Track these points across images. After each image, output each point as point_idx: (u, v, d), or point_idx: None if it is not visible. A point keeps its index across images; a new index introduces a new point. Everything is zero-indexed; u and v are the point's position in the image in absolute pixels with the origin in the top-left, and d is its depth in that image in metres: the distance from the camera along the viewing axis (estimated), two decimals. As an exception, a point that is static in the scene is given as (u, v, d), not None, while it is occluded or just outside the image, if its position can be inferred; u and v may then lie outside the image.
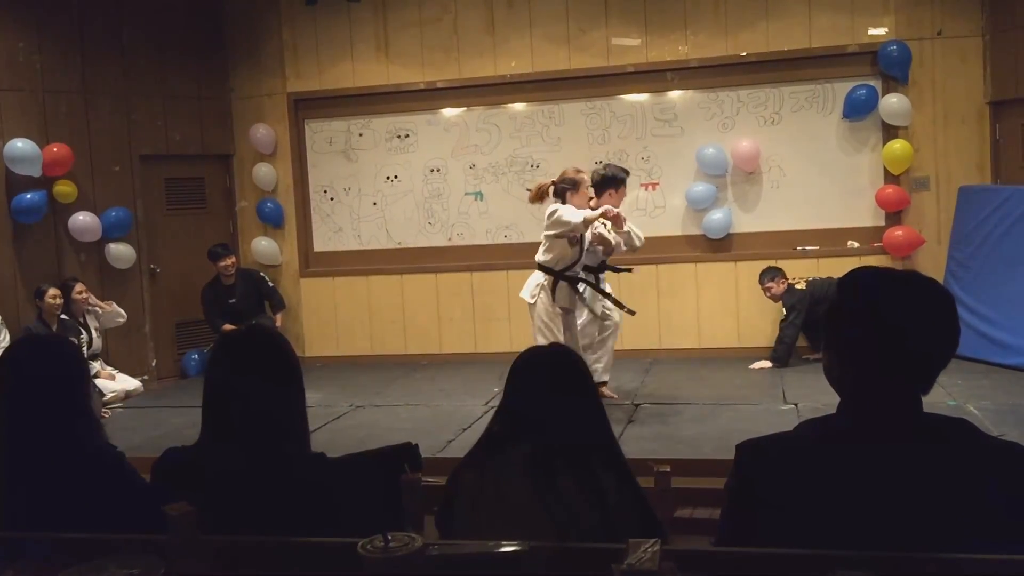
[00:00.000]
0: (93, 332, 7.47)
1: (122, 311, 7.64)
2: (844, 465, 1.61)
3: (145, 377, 8.01)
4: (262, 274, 8.50)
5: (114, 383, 7.46)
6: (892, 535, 1.56)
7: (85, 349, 7.29)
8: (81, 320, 7.41)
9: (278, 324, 8.22)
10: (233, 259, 8.21)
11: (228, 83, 8.89)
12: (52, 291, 7.18)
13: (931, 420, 1.63)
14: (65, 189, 7.62)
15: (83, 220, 7.69)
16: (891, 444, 1.60)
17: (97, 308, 7.48)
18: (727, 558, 1.65)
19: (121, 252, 7.95)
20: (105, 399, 7.24)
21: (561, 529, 2.02)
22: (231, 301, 8.09)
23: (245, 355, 2.11)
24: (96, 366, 7.49)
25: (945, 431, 1.62)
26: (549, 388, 2.21)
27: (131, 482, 2.19)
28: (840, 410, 1.68)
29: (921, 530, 1.56)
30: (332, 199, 8.91)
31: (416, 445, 2.56)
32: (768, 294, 7.43)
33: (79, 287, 7.38)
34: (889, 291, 1.64)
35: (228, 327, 7.79)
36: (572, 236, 5.82)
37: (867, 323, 1.62)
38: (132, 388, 7.61)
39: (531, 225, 8.46)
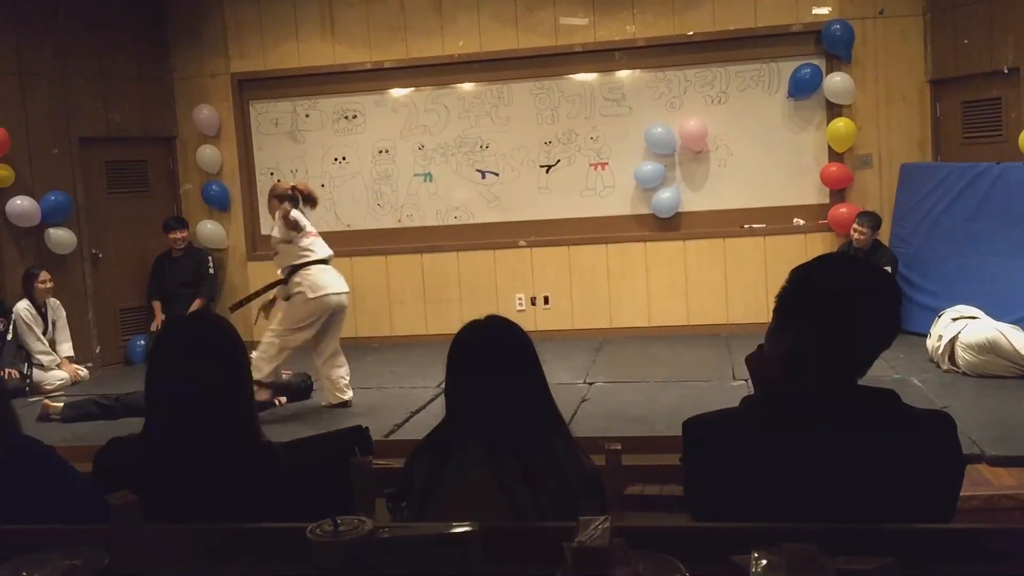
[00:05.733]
0: (51, 323, 7.38)
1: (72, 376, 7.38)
2: (786, 437, 1.68)
3: (89, 364, 7.85)
4: (209, 257, 8.38)
5: (58, 372, 7.30)
6: (833, 503, 1.63)
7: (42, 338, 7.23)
8: (42, 310, 7.30)
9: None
10: (182, 234, 8.26)
11: (169, 63, 8.69)
12: (44, 275, 7.26)
13: (864, 392, 1.71)
14: (1, 173, 7.41)
15: (21, 205, 7.48)
16: (830, 415, 1.68)
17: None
18: (676, 533, 1.66)
19: (61, 237, 7.76)
20: (50, 388, 7.10)
21: (511, 508, 2.02)
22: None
23: (187, 342, 2.07)
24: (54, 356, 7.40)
25: (877, 401, 1.71)
26: (493, 364, 2.19)
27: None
28: (782, 384, 1.75)
29: (860, 497, 1.63)
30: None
31: (366, 428, 2.57)
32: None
33: (44, 276, 7.29)
34: (842, 279, 1.72)
35: (156, 303, 8.18)
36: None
37: (819, 307, 1.69)
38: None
39: (481, 206, 8.47)
